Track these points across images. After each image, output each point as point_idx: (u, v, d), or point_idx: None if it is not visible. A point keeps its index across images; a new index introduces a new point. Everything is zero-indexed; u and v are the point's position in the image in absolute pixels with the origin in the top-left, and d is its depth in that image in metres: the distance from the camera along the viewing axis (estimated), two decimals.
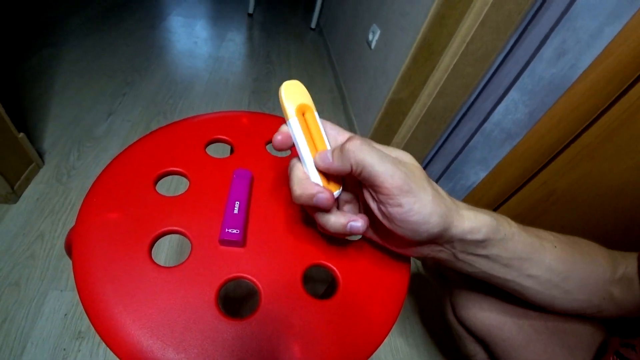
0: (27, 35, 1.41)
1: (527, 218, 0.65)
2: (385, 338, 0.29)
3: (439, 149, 0.94)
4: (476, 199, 0.74)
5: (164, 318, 0.25)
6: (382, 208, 0.25)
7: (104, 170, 0.34)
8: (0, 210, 0.78)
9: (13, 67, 1.22)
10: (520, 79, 0.67)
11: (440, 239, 0.26)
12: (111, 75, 1.31)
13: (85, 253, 0.28)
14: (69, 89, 1.19)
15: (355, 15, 1.46)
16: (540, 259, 0.28)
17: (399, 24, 1.00)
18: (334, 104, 1.52)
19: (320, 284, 0.70)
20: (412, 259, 0.36)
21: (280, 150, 0.27)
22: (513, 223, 0.28)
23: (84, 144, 1.00)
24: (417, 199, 0.23)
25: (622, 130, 0.48)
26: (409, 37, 0.91)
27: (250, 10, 2.17)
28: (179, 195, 0.34)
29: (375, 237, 0.31)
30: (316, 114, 0.27)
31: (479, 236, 0.26)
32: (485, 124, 0.76)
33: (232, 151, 0.41)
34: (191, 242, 0.30)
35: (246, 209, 0.33)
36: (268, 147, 0.43)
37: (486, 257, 0.27)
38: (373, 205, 0.26)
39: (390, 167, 0.23)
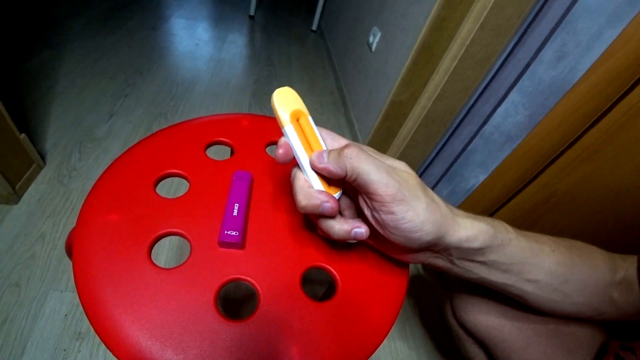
0: (28, 37, 1.42)
1: (527, 220, 0.65)
2: (384, 339, 0.29)
3: (439, 152, 0.94)
4: (476, 201, 0.74)
5: (163, 319, 0.25)
6: (376, 215, 0.25)
7: (104, 172, 0.34)
8: (2, 210, 0.79)
9: (15, 68, 1.22)
10: (520, 82, 0.67)
11: (435, 246, 0.26)
12: (112, 76, 1.32)
13: (86, 254, 0.28)
14: (70, 90, 1.20)
15: (356, 18, 1.47)
16: (539, 263, 0.28)
17: (400, 26, 1.00)
18: (334, 105, 1.52)
19: (319, 285, 0.70)
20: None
21: (284, 163, 0.27)
22: (510, 228, 0.28)
23: (85, 145, 1.00)
24: (409, 207, 0.23)
25: (622, 132, 0.48)
26: (409, 39, 0.92)
27: (252, 13, 2.17)
28: (179, 197, 0.34)
29: (372, 243, 0.31)
30: (310, 119, 0.27)
31: (475, 244, 0.26)
32: (485, 127, 0.76)
33: (232, 153, 0.42)
34: (191, 244, 0.30)
35: (245, 211, 0.33)
36: (268, 149, 0.43)
37: (484, 263, 0.27)
38: (367, 212, 0.26)
39: (384, 175, 0.23)
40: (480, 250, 0.26)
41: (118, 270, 0.27)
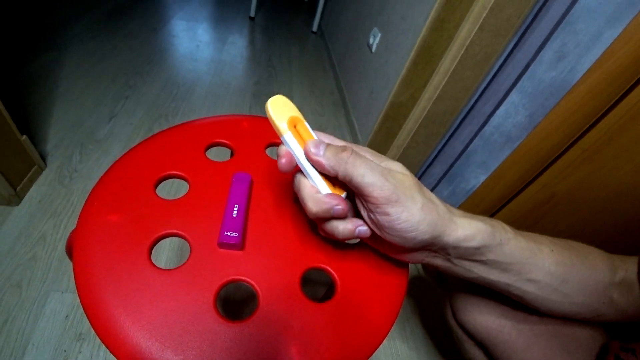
0: (30, 39, 1.42)
1: (527, 221, 0.64)
2: (383, 340, 0.29)
3: (439, 153, 0.94)
4: (476, 202, 0.74)
5: (163, 320, 0.25)
6: (372, 216, 0.25)
7: (105, 173, 0.35)
8: (3, 212, 0.79)
9: (16, 70, 1.23)
10: (520, 82, 0.67)
11: (432, 245, 0.26)
12: (113, 78, 1.32)
13: (86, 255, 0.28)
14: (71, 92, 1.20)
15: (356, 19, 1.47)
16: (538, 263, 0.28)
17: (400, 27, 1.00)
18: (335, 106, 1.53)
19: (319, 286, 0.70)
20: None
21: (288, 172, 0.27)
22: (509, 228, 0.28)
23: (86, 146, 1.01)
24: (404, 208, 0.23)
25: (622, 133, 0.48)
26: (409, 40, 0.92)
27: (252, 14, 2.18)
28: (179, 198, 0.34)
29: (372, 243, 0.31)
30: (307, 124, 0.27)
31: (474, 243, 0.26)
32: (485, 127, 0.76)
33: (232, 155, 0.42)
34: (190, 245, 0.31)
35: (245, 213, 0.33)
36: (268, 150, 0.43)
37: (483, 262, 0.27)
38: (364, 212, 0.26)
39: (378, 178, 0.23)
40: (478, 250, 0.26)
41: (118, 271, 0.27)
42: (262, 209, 0.35)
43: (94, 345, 0.63)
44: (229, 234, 0.30)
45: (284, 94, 0.27)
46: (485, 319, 0.37)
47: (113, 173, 0.35)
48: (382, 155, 0.27)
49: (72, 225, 0.80)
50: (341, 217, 0.26)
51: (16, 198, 0.80)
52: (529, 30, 0.66)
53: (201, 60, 1.60)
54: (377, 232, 0.26)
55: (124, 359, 0.24)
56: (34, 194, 0.84)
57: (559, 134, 0.56)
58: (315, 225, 0.34)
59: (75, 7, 1.76)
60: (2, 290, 0.67)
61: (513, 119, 0.69)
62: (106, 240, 0.29)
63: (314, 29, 2.23)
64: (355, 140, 1.27)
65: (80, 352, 0.62)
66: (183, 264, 0.29)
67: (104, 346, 0.66)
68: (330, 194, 0.26)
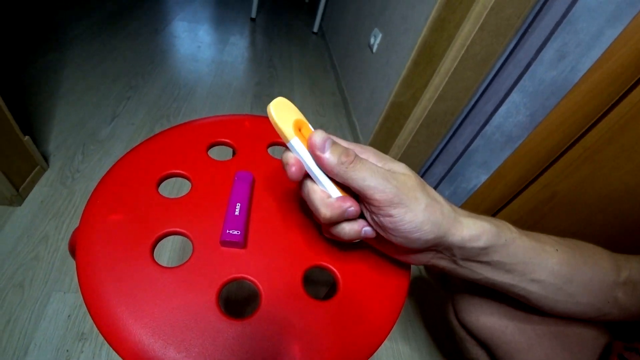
0: (32, 40, 1.43)
1: (528, 221, 0.64)
2: (384, 340, 0.29)
3: (440, 152, 0.94)
4: (477, 202, 0.74)
5: (165, 318, 0.26)
6: (375, 218, 0.25)
7: (107, 172, 0.35)
8: (5, 212, 0.79)
9: (19, 71, 1.23)
10: (521, 82, 0.67)
11: (437, 246, 0.26)
12: (115, 79, 1.33)
13: (89, 253, 0.28)
14: (73, 93, 1.20)
15: (357, 19, 1.47)
16: (543, 263, 0.28)
17: (400, 28, 1.00)
18: (335, 107, 1.53)
19: (321, 286, 0.70)
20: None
21: (298, 180, 0.26)
22: (514, 228, 0.28)
23: (88, 147, 1.01)
24: (408, 209, 0.23)
25: (623, 132, 0.48)
26: (410, 40, 0.92)
27: (253, 15, 2.19)
28: (181, 197, 0.34)
29: (376, 244, 0.31)
30: (310, 127, 0.27)
31: (479, 243, 0.26)
32: (486, 127, 0.76)
33: (234, 154, 0.42)
34: (193, 243, 0.31)
35: (247, 211, 0.33)
36: (269, 149, 0.43)
37: (488, 263, 0.27)
38: (367, 214, 0.26)
39: (380, 181, 0.23)
40: (484, 250, 0.26)
41: (121, 269, 0.28)
42: (264, 207, 0.35)
43: (95, 344, 0.63)
44: (231, 232, 0.30)
45: (284, 95, 0.27)
46: (487, 319, 0.37)
47: (116, 172, 0.35)
48: (386, 156, 0.27)
49: (74, 225, 0.80)
50: (354, 218, 0.26)
51: (19, 198, 0.81)
52: (529, 30, 0.66)
53: (202, 61, 1.60)
54: (382, 233, 0.26)
55: (127, 356, 0.24)
56: (36, 194, 0.85)
57: (560, 133, 0.56)
58: (317, 225, 0.34)
59: (77, 8, 1.76)
60: (5, 290, 0.67)
61: (514, 119, 0.69)
62: (109, 238, 0.29)
63: (315, 29, 2.24)
64: (357, 140, 1.27)
65: (82, 352, 0.62)
66: (185, 262, 0.29)
67: (105, 346, 0.66)
68: (341, 197, 0.25)
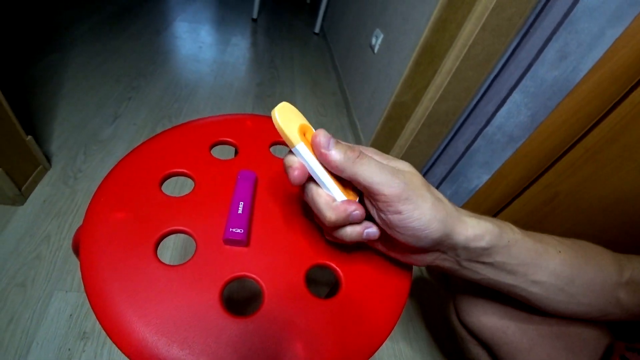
0: (34, 41, 1.43)
1: (530, 221, 0.64)
2: (386, 339, 0.29)
3: (442, 152, 0.94)
4: (479, 202, 0.74)
5: (169, 315, 0.26)
6: (382, 216, 0.25)
7: (111, 171, 0.35)
8: (8, 211, 0.80)
9: (21, 71, 1.24)
10: (523, 82, 0.67)
11: (442, 245, 0.26)
12: (117, 79, 1.33)
13: (93, 251, 0.28)
14: (75, 93, 1.21)
15: (358, 20, 1.48)
16: (545, 264, 0.28)
17: (402, 28, 1.01)
18: (337, 107, 1.53)
19: (322, 286, 0.70)
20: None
21: (300, 184, 0.26)
22: (516, 229, 0.28)
23: (90, 147, 1.01)
24: (415, 206, 0.23)
25: (625, 132, 0.48)
26: (411, 41, 0.92)
27: (255, 16, 2.19)
28: (184, 195, 0.34)
29: (380, 247, 0.31)
30: (314, 130, 0.27)
31: (482, 243, 0.26)
32: (488, 127, 0.76)
33: (236, 153, 0.42)
34: (196, 241, 0.31)
35: (250, 209, 0.33)
36: (272, 149, 0.43)
37: (491, 264, 0.27)
38: (374, 212, 0.26)
39: (388, 177, 0.23)
40: (486, 251, 0.26)
41: (125, 267, 0.28)
42: (267, 206, 0.35)
43: (97, 344, 0.63)
44: (234, 230, 0.30)
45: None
46: (489, 319, 0.37)
47: (119, 171, 0.35)
48: (388, 156, 0.27)
49: (77, 225, 0.80)
50: (359, 221, 0.26)
51: (21, 198, 0.81)
52: (531, 30, 0.66)
53: (204, 61, 1.61)
54: (389, 232, 0.26)
55: (130, 354, 0.24)
56: (38, 194, 0.85)
57: (561, 133, 0.56)
58: (319, 226, 0.34)
59: (79, 9, 1.77)
60: (7, 290, 0.67)
61: (515, 119, 0.69)
62: (112, 236, 0.29)
63: (316, 30, 2.24)
64: (358, 141, 1.27)
65: (84, 351, 0.62)
66: (189, 260, 0.29)
67: (107, 345, 0.66)
68: (346, 200, 0.25)
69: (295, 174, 0.25)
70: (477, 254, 0.26)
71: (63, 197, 0.86)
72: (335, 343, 0.27)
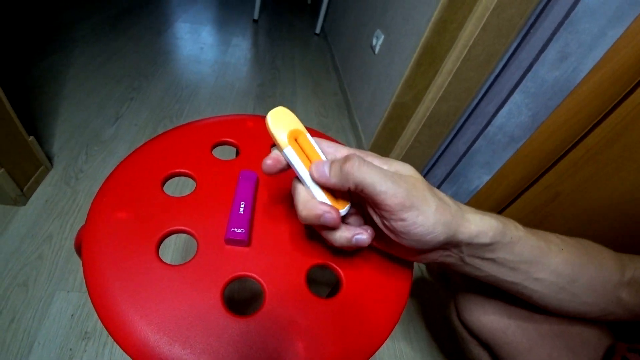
0: (36, 41, 1.44)
1: (531, 221, 0.64)
2: (386, 339, 0.29)
3: (443, 153, 0.94)
4: (480, 202, 0.74)
5: (170, 314, 0.26)
6: (386, 223, 0.25)
7: (113, 171, 0.35)
8: (10, 212, 0.80)
9: (23, 72, 1.24)
10: (523, 82, 0.67)
11: (447, 244, 0.26)
12: (119, 80, 1.34)
13: (95, 251, 0.29)
14: (77, 94, 1.21)
15: (359, 21, 1.48)
16: (547, 262, 0.28)
17: (402, 29, 1.01)
18: (338, 108, 1.53)
19: (323, 286, 0.70)
20: (415, 262, 0.36)
21: (270, 174, 0.27)
22: (520, 226, 0.28)
23: (91, 147, 1.02)
24: (419, 212, 0.23)
25: (626, 132, 0.48)
26: (412, 42, 0.92)
27: (256, 17, 2.20)
28: (186, 195, 0.34)
29: (382, 246, 0.31)
30: (308, 135, 0.27)
31: (485, 239, 0.26)
32: (489, 128, 0.76)
33: (237, 153, 0.42)
34: (197, 241, 0.31)
35: (251, 210, 0.34)
36: (273, 149, 0.43)
37: (493, 260, 0.27)
38: (377, 219, 0.26)
39: (391, 185, 0.23)
40: (489, 247, 0.26)
41: (127, 267, 0.28)
42: (268, 206, 0.36)
43: (99, 343, 0.63)
44: (235, 230, 0.30)
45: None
46: (489, 319, 0.37)
47: (121, 171, 0.35)
48: (388, 159, 0.27)
49: (78, 225, 0.81)
50: (333, 227, 0.26)
51: (23, 198, 0.81)
52: (531, 31, 0.66)
53: (205, 62, 1.61)
54: (393, 237, 0.25)
55: (133, 353, 0.24)
56: (40, 194, 0.85)
57: (562, 133, 0.56)
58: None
59: (81, 10, 1.78)
60: (9, 289, 0.67)
61: (516, 119, 0.69)
62: (115, 236, 0.30)
63: (317, 31, 2.25)
64: (359, 141, 1.27)
65: (85, 351, 0.62)
66: (190, 260, 0.30)
67: (109, 345, 0.66)
68: (322, 202, 0.25)
69: (268, 163, 0.26)
70: (480, 250, 0.26)
71: (65, 197, 0.86)
72: (336, 342, 0.27)
